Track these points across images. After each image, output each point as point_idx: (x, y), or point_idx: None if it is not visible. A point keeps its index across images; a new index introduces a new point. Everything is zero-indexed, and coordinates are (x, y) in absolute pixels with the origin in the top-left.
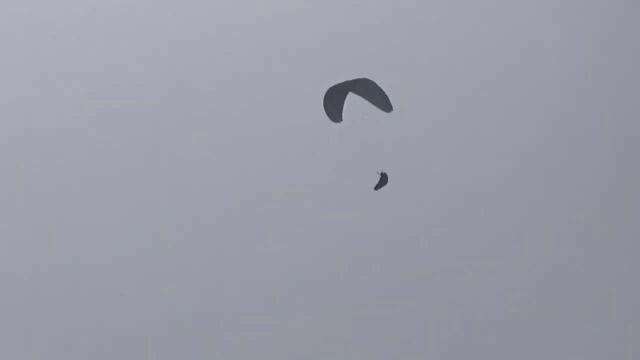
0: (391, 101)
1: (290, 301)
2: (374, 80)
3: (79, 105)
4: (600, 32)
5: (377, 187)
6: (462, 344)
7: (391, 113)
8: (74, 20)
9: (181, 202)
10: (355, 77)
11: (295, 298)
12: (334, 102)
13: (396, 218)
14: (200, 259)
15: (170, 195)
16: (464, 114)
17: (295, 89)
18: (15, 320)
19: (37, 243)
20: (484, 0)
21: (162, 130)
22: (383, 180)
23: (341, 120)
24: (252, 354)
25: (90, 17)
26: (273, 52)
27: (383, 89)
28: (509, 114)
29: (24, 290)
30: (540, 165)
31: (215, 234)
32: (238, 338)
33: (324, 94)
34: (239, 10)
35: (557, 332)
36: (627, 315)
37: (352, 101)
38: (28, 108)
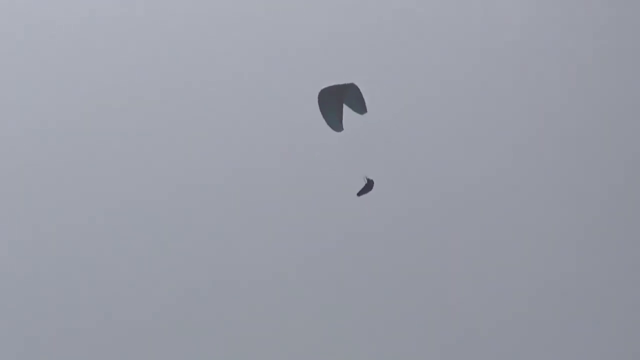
0: (391, 103)
1: (289, 301)
2: (375, 81)
3: (79, 106)
4: (601, 33)
5: (360, 193)
6: (462, 343)
7: (392, 114)
8: (74, 20)
9: (182, 202)
10: (354, 77)
11: (294, 298)
12: (332, 112)
13: (396, 218)
14: (200, 259)
15: (170, 195)
16: (465, 115)
17: (295, 89)
18: (15, 320)
19: (36, 243)
20: (484, 3)
21: (162, 130)
22: (368, 186)
23: (342, 129)
24: (252, 353)
25: (90, 17)
26: (273, 52)
27: (383, 91)
28: (510, 115)
29: (23, 290)
30: (540, 167)
31: (215, 234)
32: (238, 337)
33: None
34: (239, 10)
35: (557, 334)
36: (627, 316)
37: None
38: (28, 108)
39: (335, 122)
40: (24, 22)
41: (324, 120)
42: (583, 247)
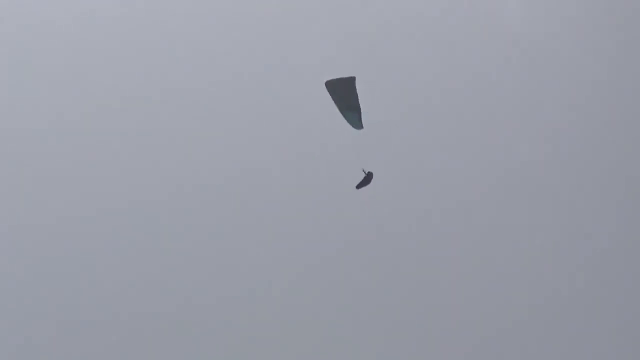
0: (393, 105)
1: (290, 300)
2: (376, 81)
3: (79, 106)
4: (601, 38)
5: (359, 186)
6: (463, 344)
7: (394, 117)
8: (75, 20)
9: (183, 202)
10: (356, 77)
11: (294, 298)
12: (352, 110)
13: (398, 219)
14: (201, 259)
15: (171, 196)
16: (467, 117)
17: (294, 89)
18: (15, 320)
19: (37, 243)
20: (486, 6)
21: (162, 130)
22: (366, 179)
23: (362, 127)
24: (252, 353)
25: (90, 17)
26: (273, 52)
27: (386, 92)
28: (512, 116)
29: (23, 289)
30: (542, 168)
31: (215, 234)
32: (239, 337)
33: (323, 95)
34: (239, 10)
35: (558, 335)
36: (628, 318)
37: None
38: (27, 108)
39: (356, 120)
40: (24, 23)
41: (322, 121)
42: (584, 249)
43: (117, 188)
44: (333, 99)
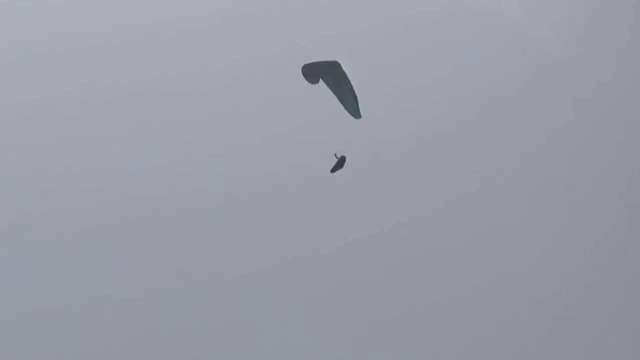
0: (392, 103)
1: (282, 303)
2: (377, 81)
3: (78, 106)
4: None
5: (333, 170)
6: (462, 345)
7: (393, 114)
8: (74, 19)
9: (181, 201)
10: (356, 77)
11: (287, 301)
12: (351, 98)
13: (399, 217)
14: (197, 259)
15: (169, 195)
16: (469, 119)
17: (292, 88)
18: (14, 320)
19: (34, 242)
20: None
21: (158, 129)
22: (340, 162)
23: (360, 116)
24: (249, 352)
25: (89, 17)
26: (270, 52)
27: (385, 90)
28: (512, 116)
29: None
30: (543, 170)
31: (211, 233)
32: (235, 336)
33: (321, 95)
34: (237, 6)
35: (558, 337)
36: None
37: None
38: (26, 108)
39: (354, 108)
40: (23, 22)
41: (321, 120)
42: (584, 249)
43: (115, 189)
44: (322, 82)
